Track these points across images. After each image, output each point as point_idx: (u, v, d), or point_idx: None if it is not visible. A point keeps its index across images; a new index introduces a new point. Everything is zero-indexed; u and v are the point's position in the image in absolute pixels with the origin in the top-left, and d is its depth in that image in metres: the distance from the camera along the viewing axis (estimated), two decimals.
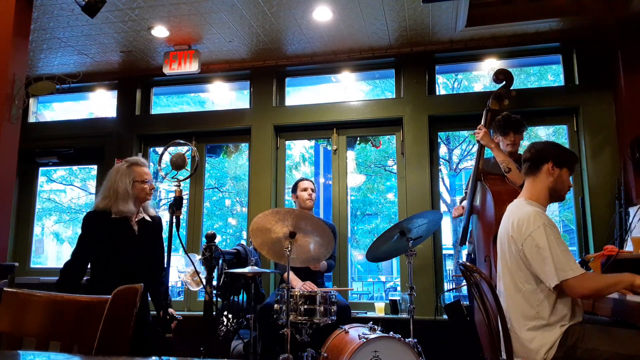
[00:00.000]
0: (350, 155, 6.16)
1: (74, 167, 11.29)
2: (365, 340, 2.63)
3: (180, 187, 2.41)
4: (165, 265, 2.48)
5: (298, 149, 12.35)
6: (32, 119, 5.18)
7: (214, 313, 3.11)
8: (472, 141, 11.88)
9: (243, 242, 3.91)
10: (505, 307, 2.11)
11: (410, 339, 2.85)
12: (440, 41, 4.18)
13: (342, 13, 3.70)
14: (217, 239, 3.09)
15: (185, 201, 4.47)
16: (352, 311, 3.75)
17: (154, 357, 0.98)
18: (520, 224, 2.06)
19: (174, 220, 2.36)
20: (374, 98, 10.09)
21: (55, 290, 2.22)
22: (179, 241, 2.52)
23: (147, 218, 2.82)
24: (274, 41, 4.16)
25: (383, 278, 13.71)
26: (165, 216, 2.86)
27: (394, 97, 4.45)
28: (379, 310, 4.05)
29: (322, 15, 3.70)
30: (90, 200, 10.79)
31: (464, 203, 3.44)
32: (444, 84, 11.83)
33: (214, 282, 3.06)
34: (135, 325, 1.13)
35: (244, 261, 3.53)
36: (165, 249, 2.58)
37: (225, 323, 3.18)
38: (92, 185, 10.44)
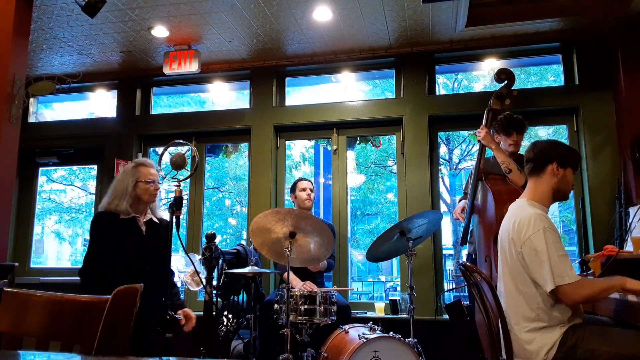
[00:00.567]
0: (350, 155, 6.16)
1: (74, 167, 11.28)
2: (365, 340, 2.63)
3: (180, 187, 2.41)
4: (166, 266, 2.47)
5: (298, 149, 12.35)
6: (32, 119, 5.19)
7: (214, 313, 3.11)
8: (472, 141, 11.89)
9: (243, 242, 3.91)
10: (505, 307, 2.11)
11: (410, 339, 2.85)
12: (440, 41, 4.18)
13: (342, 13, 3.70)
14: (217, 239, 3.10)
15: (185, 201, 4.47)
16: (352, 311, 3.75)
17: (154, 357, 0.98)
18: (520, 226, 2.05)
19: (174, 220, 2.36)
20: (374, 98, 10.09)
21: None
22: (179, 241, 2.51)
23: (155, 220, 2.81)
24: (274, 41, 4.16)
25: (383, 278, 13.71)
26: (165, 216, 2.86)
27: (394, 97, 4.45)
28: (379, 310, 4.05)
29: (322, 15, 3.70)
30: (91, 200, 10.80)
31: (462, 202, 3.44)
32: (444, 84, 11.83)
33: (214, 282, 3.06)
34: (135, 325, 1.13)
35: (244, 261, 3.53)
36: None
37: (225, 323, 3.18)
38: (92, 185, 10.45)
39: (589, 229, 3.78)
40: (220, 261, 3.16)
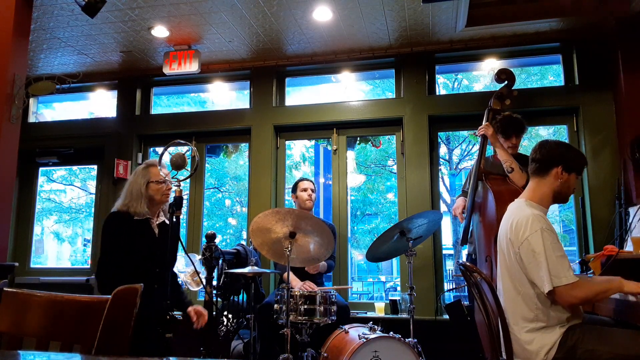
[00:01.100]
0: (350, 155, 6.16)
1: (74, 167, 11.28)
2: (365, 340, 2.63)
3: (180, 187, 2.41)
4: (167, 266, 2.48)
5: (298, 149, 12.35)
6: (32, 119, 5.19)
7: (214, 313, 3.10)
8: (472, 141, 11.87)
9: (243, 242, 3.91)
10: (505, 307, 2.11)
11: (410, 339, 2.85)
12: (440, 41, 4.18)
13: (342, 13, 3.69)
14: (217, 239, 3.09)
15: (185, 201, 4.47)
16: (352, 311, 3.76)
17: (154, 357, 0.98)
18: (518, 226, 2.05)
19: (174, 220, 2.36)
20: (374, 98, 10.09)
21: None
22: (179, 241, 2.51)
23: (167, 222, 2.79)
24: (274, 41, 4.16)
25: (383, 278, 13.71)
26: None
27: (394, 97, 4.45)
28: (379, 310, 4.05)
29: (322, 15, 3.70)
30: (91, 200, 10.80)
31: (461, 199, 3.43)
32: (444, 84, 11.83)
33: (214, 282, 3.06)
34: (138, 325, 1.13)
35: (244, 261, 3.53)
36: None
37: (225, 323, 3.18)
38: (92, 185, 10.45)
39: (589, 229, 3.78)
40: (220, 261, 3.16)
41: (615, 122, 3.84)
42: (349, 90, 6.39)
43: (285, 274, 2.89)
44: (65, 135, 4.90)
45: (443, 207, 6.70)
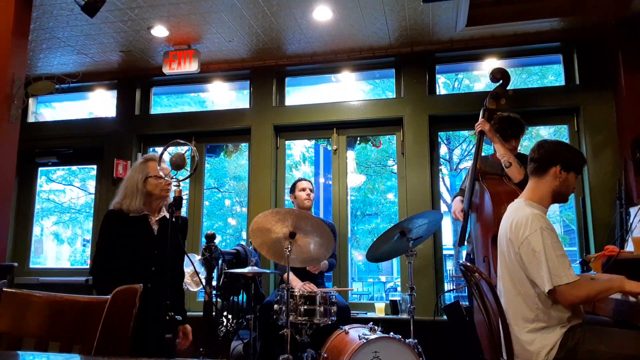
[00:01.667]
0: (350, 155, 6.16)
1: (74, 167, 11.28)
2: (365, 341, 2.62)
3: (180, 187, 2.40)
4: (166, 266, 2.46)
5: (298, 148, 12.35)
6: (31, 118, 5.18)
7: (214, 313, 3.10)
8: (472, 141, 11.87)
9: (243, 242, 3.91)
10: (505, 308, 2.10)
11: (410, 340, 2.84)
12: (440, 41, 4.17)
13: (342, 13, 3.69)
14: (217, 239, 3.09)
15: (184, 201, 4.47)
16: (352, 311, 3.75)
17: (154, 358, 0.98)
18: (518, 226, 2.04)
19: (174, 220, 2.35)
20: (374, 98, 10.08)
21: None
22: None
23: (169, 217, 2.67)
24: (273, 41, 4.15)
25: (383, 278, 13.70)
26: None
27: (394, 97, 4.44)
28: (379, 310, 4.05)
29: (322, 15, 3.70)
30: (90, 200, 10.79)
31: (458, 199, 3.42)
32: (444, 84, 11.83)
33: (214, 283, 3.05)
34: (137, 325, 1.12)
35: (244, 261, 3.53)
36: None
37: (225, 323, 3.18)
38: (91, 185, 10.44)
39: (590, 229, 3.77)
40: (220, 261, 3.16)
41: (616, 122, 3.84)
42: (349, 90, 6.38)
43: (285, 275, 2.89)
44: (65, 135, 4.89)
45: (443, 207, 6.70)
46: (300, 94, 5.60)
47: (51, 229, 12.75)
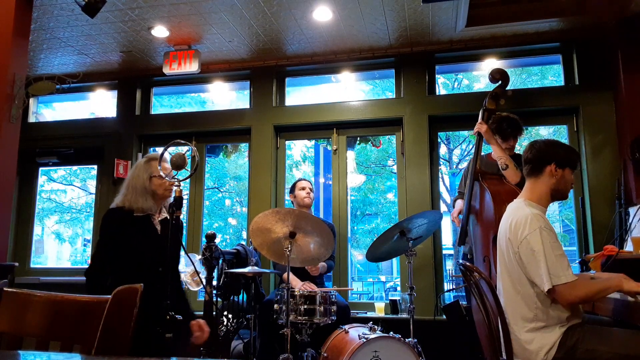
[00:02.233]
0: (350, 155, 6.16)
1: (74, 167, 11.28)
2: (365, 340, 2.63)
3: (180, 187, 2.40)
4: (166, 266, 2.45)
5: (298, 149, 12.35)
6: (32, 118, 5.19)
7: (214, 313, 3.11)
8: (472, 141, 11.87)
9: (243, 242, 3.91)
10: (505, 307, 2.11)
11: (410, 339, 2.85)
12: (440, 41, 4.18)
13: (342, 13, 3.69)
14: (217, 239, 3.09)
15: (185, 201, 4.47)
16: (352, 311, 3.75)
17: (154, 358, 0.98)
18: (517, 226, 2.05)
19: (174, 220, 2.35)
20: (374, 98, 10.09)
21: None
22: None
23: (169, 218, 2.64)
24: (274, 41, 4.16)
25: (383, 278, 13.70)
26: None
27: (394, 97, 4.45)
28: (379, 310, 4.05)
29: (322, 15, 3.70)
30: (91, 200, 10.80)
31: (459, 203, 3.43)
32: (444, 84, 11.83)
33: (214, 282, 3.06)
34: (138, 325, 1.12)
35: (244, 261, 3.53)
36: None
37: (225, 323, 3.18)
38: (92, 185, 10.45)
39: (589, 229, 3.78)
40: (220, 261, 3.16)
41: (615, 122, 3.84)
42: (349, 90, 6.39)
43: (285, 274, 2.89)
44: (65, 135, 4.89)
45: (443, 207, 6.70)
46: (300, 94, 5.61)
47: (52, 229, 12.76)
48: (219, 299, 3.32)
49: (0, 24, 3.04)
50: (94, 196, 5.04)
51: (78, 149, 4.93)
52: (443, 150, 12.48)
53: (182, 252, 3.16)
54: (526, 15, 3.77)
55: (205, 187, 5.69)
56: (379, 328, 2.87)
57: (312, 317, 2.89)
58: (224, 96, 8.12)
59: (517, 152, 3.36)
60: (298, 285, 3.38)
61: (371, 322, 2.90)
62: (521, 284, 2.06)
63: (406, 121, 4.25)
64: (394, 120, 4.35)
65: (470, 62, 4.45)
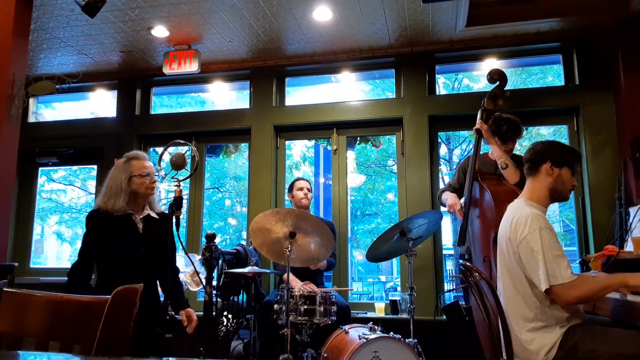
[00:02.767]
0: (350, 155, 6.16)
1: (74, 167, 11.28)
2: (365, 341, 2.62)
3: (180, 187, 2.40)
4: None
5: (298, 149, 12.35)
6: (32, 118, 5.19)
7: (214, 313, 3.10)
8: (472, 141, 11.86)
9: (243, 242, 3.91)
10: (505, 307, 2.11)
11: (410, 339, 2.85)
12: (440, 41, 4.18)
13: (342, 13, 3.69)
14: (217, 239, 3.09)
15: (185, 201, 4.47)
16: (352, 311, 3.75)
17: (154, 357, 0.98)
18: (517, 226, 2.05)
19: (174, 220, 2.36)
20: (374, 98, 10.08)
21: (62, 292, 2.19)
22: (179, 241, 2.50)
23: (154, 215, 2.67)
24: (274, 41, 4.16)
25: (383, 278, 13.69)
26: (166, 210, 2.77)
27: (394, 97, 4.45)
28: (379, 310, 4.05)
29: (322, 15, 3.70)
30: (91, 200, 10.80)
31: (450, 195, 3.40)
32: (444, 84, 11.83)
33: (214, 282, 3.05)
34: (136, 324, 1.12)
35: (244, 261, 3.53)
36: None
37: (225, 323, 3.18)
38: (92, 185, 10.44)
39: (589, 229, 3.78)
40: (220, 261, 3.16)
41: (616, 122, 3.84)
42: (349, 90, 6.38)
43: (285, 275, 2.89)
44: (65, 135, 4.89)
45: (443, 207, 6.70)
46: (300, 94, 5.60)
47: (52, 229, 12.76)
48: (218, 299, 3.32)
49: (0, 24, 3.04)
50: (94, 196, 5.04)
51: (78, 149, 4.93)
52: (443, 150, 12.48)
53: (182, 252, 3.17)
54: (526, 15, 3.77)
55: (205, 187, 5.69)
56: (379, 328, 2.87)
57: (312, 317, 2.89)
58: (224, 96, 8.11)
59: (516, 153, 3.36)
60: (298, 285, 3.38)
61: (371, 323, 2.89)
62: (521, 283, 2.06)
63: (406, 121, 4.24)
64: (394, 120, 4.35)
65: (471, 62, 4.45)
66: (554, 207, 11.50)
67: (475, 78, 11.71)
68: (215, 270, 3.03)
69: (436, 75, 4.46)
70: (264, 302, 3.39)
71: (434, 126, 4.31)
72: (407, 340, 2.75)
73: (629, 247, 2.83)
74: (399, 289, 4.90)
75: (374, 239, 3.14)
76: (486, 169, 3.21)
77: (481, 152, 3.35)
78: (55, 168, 8.63)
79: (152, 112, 5.01)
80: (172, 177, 2.40)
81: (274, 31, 3.98)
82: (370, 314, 4.07)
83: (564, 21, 3.85)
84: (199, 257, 3.37)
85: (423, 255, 3.96)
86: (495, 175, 3.13)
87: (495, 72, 3.33)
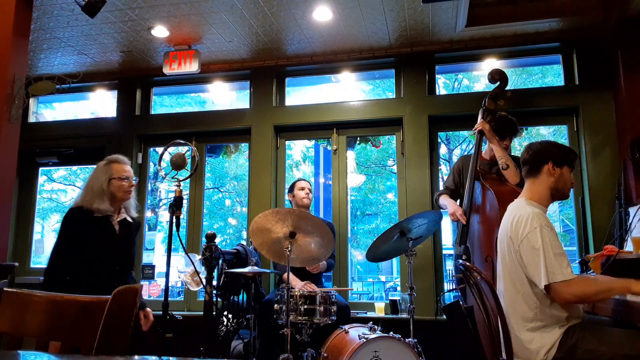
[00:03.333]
0: (350, 155, 6.16)
1: (74, 167, 11.28)
2: (365, 340, 2.63)
3: (180, 187, 2.41)
4: (166, 266, 2.46)
5: (298, 149, 12.35)
6: (32, 118, 5.19)
7: (214, 313, 3.11)
8: (472, 141, 11.86)
9: (243, 242, 3.91)
10: (505, 307, 2.11)
11: (410, 339, 2.85)
12: (440, 41, 4.18)
13: (342, 13, 3.69)
14: (217, 239, 3.09)
15: (185, 201, 4.47)
16: (352, 311, 3.75)
17: (154, 357, 0.98)
18: (518, 224, 2.06)
19: (174, 220, 2.36)
20: (374, 98, 10.09)
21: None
22: (179, 241, 2.51)
23: (129, 219, 2.75)
24: (274, 41, 4.16)
25: (383, 278, 13.70)
26: (165, 216, 2.83)
27: (394, 97, 4.45)
28: (379, 310, 4.05)
29: (322, 15, 3.70)
30: None
31: (448, 200, 3.41)
32: (444, 84, 11.83)
33: (214, 282, 3.06)
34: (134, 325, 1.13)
35: (244, 261, 3.53)
36: (166, 249, 2.56)
37: (225, 323, 3.19)
38: None
39: (589, 229, 3.78)
40: (220, 261, 3.16)
41: (616, 122, 3.84)
42: (349, 90, 6.38)
43: (285, 274, 2.89)
44: (66, 135, 4.89)
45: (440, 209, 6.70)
46: (300, 94, 5.61)
47: (53, 228, 12.76)
48: (219, 299, 3.32)
49: (0, 24, 3.04)
50: None
51: (78, 149, 4.93)
52: (443, 150, 12.48)
53: (182, 252, 3.17)
54: (526, 15, 3.77)
55: (205, 187, 5.69)
56: (379, 328, 2.87)
57: (312, 317, 2.89)
58: (224, 96, 8.12)
59: (515, 154, 3.36)
60: (298, 285, 3.38)
61: (371, 322, 2.90)
62: (522, 283, 2.06)
63: (406, 121, 4.24)
64: (394, 120, 4.35)
65: (471, 62, 4.45)
66: (554, 207, 11.51)
67: (475, 78, 11.71)
68: (216, 270, 3.03)
69: (436, 76, 4.46)
70: (264, 301, 3.40)
71: (434, 126, 4.31)
72: (407, 340, 2.75)
73: (629, 247, 2.83)
74: (398, 288, 4.90)
75: (374, 239, 3.14)
76: (486, 169, 3.21)
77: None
78: (55, 168, 8.63)
79: (152, 112, 5.01)
80: (172, 177, 2.40)
81: (274, 31, 3.98)
82: (370, 314, 4.07)
83: (563, 21, 3.85)
84: (199, 257, 3.37)
85: (423, 255, 3.97)
86: (497, 175, 3.13)
87: (496, 72, 3.34)
